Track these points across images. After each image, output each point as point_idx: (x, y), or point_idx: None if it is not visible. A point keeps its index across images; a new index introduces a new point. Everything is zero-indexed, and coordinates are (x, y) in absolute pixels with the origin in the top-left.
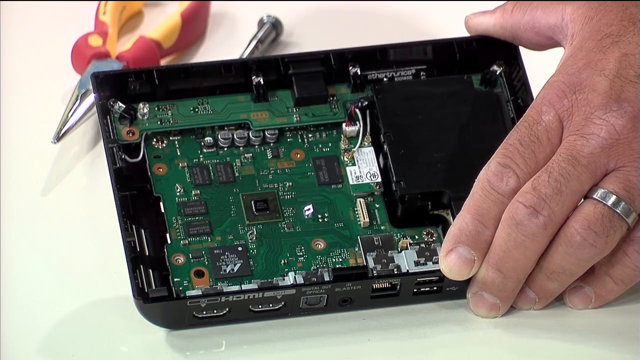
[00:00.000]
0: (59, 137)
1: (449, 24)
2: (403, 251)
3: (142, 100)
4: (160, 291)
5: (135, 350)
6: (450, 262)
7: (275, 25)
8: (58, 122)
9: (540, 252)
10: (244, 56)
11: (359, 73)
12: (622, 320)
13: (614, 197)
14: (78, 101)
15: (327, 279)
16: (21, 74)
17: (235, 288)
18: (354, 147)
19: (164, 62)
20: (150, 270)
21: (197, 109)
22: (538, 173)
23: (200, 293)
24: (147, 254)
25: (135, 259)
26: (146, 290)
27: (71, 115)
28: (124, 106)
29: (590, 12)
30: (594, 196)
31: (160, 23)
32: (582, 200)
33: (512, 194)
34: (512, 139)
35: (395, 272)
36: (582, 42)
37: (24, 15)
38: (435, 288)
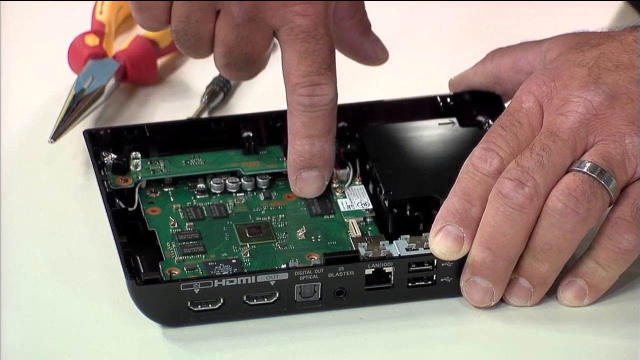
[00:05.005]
0: (55, 137)
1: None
2: (394, 241)
3: (134, 151)
4: (152, 274)
5: (132, 349)
6: (439, 241)
7: None
8: (55, 122)
9: (528, 228)
10: None
11: (346, 126)
12: (618, 308)
13: (592, 165)
14: (75, 101)
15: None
16: (18, 74)
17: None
18: (345, 185)
19: (160, 61)
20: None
21: (188, 162)
22: (521, 152)
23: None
24: (141, 270)
25: (128, 254)
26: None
27: (68, 115)
28: (116, 156)
29: (568, 40)
30: (574, 167)
31: None
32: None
33: (497, 175)
34: (495, 126)
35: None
36: (561, 51)
37: (21, 14)
38: (429, 282)
